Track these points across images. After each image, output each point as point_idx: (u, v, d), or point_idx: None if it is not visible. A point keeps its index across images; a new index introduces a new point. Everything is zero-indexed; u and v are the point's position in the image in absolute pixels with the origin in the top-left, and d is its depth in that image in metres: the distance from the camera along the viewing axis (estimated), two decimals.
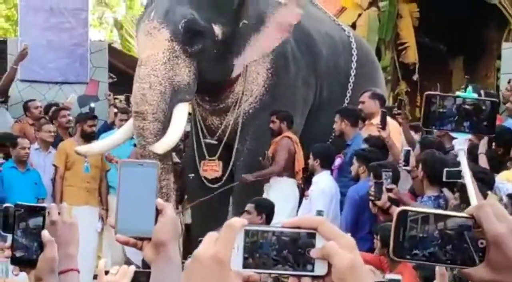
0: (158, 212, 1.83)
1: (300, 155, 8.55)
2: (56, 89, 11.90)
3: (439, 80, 15.70)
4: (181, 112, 8.36)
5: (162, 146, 8.16)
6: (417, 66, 14.82)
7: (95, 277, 5.25)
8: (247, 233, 1.26)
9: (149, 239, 1.82)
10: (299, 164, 8.55)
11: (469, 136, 2.00)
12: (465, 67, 16.41)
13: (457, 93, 1.94)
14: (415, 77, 14.81)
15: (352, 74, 9.83)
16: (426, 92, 1.88)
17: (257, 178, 8.47)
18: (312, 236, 1.25)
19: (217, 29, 8.58)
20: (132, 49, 26.83)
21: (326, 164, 8.12)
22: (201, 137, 9.23)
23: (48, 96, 11.68)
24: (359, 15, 14.51)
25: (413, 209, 1.35)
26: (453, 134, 2.01)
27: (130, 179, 1.82)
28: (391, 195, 6.41)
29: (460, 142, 2.07)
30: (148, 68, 8.26)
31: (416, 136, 8.42)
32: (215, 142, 9.13)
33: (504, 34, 14.62)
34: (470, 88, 2.49)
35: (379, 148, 7.57)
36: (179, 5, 8.48)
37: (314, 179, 8.12)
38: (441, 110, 1.85)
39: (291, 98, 9.13)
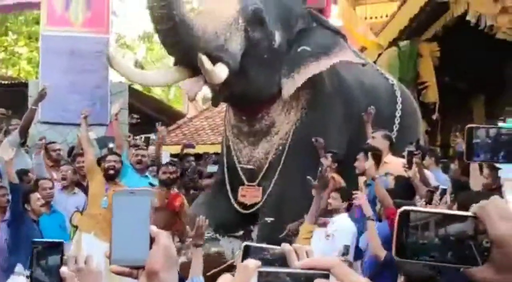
0: (152, 240, 1.80)
1: None
2: (77, 131, 11.92)
3: (460, 119, 15.68)
4: (222, 73, 8.13)
5: (218, 73, 8.06)
6: (437, 105, 14.79)
7: None
8: (260, 274, 1.25)
9: (144, 267, 1.79)
10: None
11: None
12: (486, 105, 16.38)
13: (499, 124, 1.91)
14: (435, 116, 14.78)
15: (397, 122, 9.81)
16: (468, 125, 1.86)
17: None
18: (326, 277, 1.24)
19: (277, 37, 8.67)
20: (152, 90, 27.06)
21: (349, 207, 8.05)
22: (237, 163, 9.16)
23: (69, 138, 11.72)
24: (379, 54, 14.54)
25: (415, 208, 1.34)
26: (498, 165, 1.98)
27: (123, 208, 1.81)
28: None
29: (506, 172, 2.04)
30: (209, 15, 8.30)
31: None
32: (253, 167, 9.08)
33: None
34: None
35: (405, 188, 7.52)
36: None
37: (334, 219, 8.03)
38: (484, 141, 1.83)
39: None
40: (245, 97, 8.76)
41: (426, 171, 8.51)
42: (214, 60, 8.03)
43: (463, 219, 1.31)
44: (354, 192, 7.54)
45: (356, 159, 8.23)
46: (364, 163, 8.20)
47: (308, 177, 7.73)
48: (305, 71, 8.69)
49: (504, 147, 1.83)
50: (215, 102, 9.10)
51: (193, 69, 8.06)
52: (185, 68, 8.27)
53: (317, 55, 8.73)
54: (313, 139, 8.82)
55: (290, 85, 8.70)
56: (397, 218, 1.32)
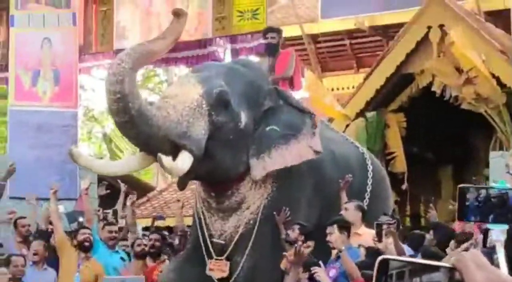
0: None
1: None
2: (46, 206, 11.82)
3: (428, 189, 15.78)
4: (185, 165, 7.99)
5: (181, 165, 7.91)
6: (405, 175, 14.86)
7: None
8: None
9: None
10: None
11: (506, 227, 1.97)
12: (454, 176, 16.49)
13: (491, 184, 1.94)
14: (404, 186, 14.84)
15: (368, 190, 9.78)
16: (460, 185, 1.87)
17: None
18: None
19: (243, 117, 8.56)
20: None
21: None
22: (207, 236, 9.00)
23: (38, 213, 11.61)
24: (347, 126, 14.65)
25: (393, 257, 1.34)
26: (489, 226, 1.98)
27: None
28: None
29: (497, 233, 2.03)
30: (171, 101, 8.20)
31: None
32: (223, 242, 8.98)
33: (491, 143, 14.74)
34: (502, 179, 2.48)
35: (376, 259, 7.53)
36: (217, 78, 8.56)
37: None
38: (474, 203, 1.85)
39: (292, 214, 8.95)
40: (211, 177, 8.69)
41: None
42: (177, 148, 8.00)
43: (437, 269, 1.32)
44: (312, 268, 7.53)
45: (329, 232, 8.20)
46: (338, 235, 8.21)
47: (285, 253, 7.73)
48: (276, 154, 8.60)
49: (494, 209, 1.85)
50: (181, 186, 8.86)
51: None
52: (149, 155, 8.24)
53: (286, 137, 8.68)
54: (274, 213, 8.80)
55: (260, 167, 8.63)
56: (376, 267, 1.33)
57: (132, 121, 7.78)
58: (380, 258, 1.34)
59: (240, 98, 8.63)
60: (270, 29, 11.55)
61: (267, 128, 8.72)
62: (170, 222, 14.82)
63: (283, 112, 8.92)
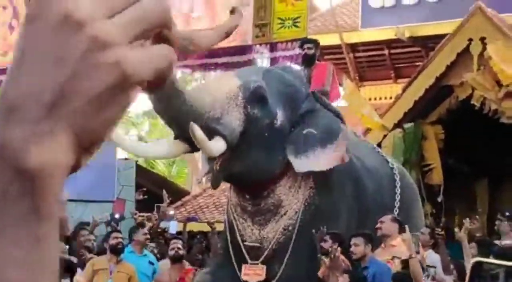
0: None
1: None
2: (83, 207, 11.94)
3: (463, 202, 15.70)
4: (218, 145, 7.94)
5: (214, 145, 7.86)
6: (441, 187, 14.80)
7: None
8: None
9: None
10: None
11: None
12: (490, 189, 16.40)
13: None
14: (440, 198, 14.78)
15: (396, 206, 9.79)
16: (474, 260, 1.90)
17: None
18: None
19: (280, 116, 8.62)
20: (155, 167, 27.11)
21: None
22: (240, 241, 9.01)
23: (75, 214, 11.72)
24: (384, 136, 14.62)
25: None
26: None
27: None
28: None
29: None
30: (207, 88, 8.31)
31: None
32: (258, 244, 8.96)
33: None
34: None
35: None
36: (256, 76, 8.69)
37: None
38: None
39: (333, 222, 8.93)
40: (246, 176, 8.60)
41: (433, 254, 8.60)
42: (210, 133, 7.80)
43: None
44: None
45: (354, 244, 8.21)
46: (364, 248, 8.21)
47: (320, 256, 7.77)
48: (313, 157, 8.64)
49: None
50: (215, 183, 8.65)
51: (192, 143, 7.79)
52: (184, 142, 8.12)
53: (324, 142, 8.70)
54: (313, 231, 8.73)
55: (300, 163, 8.63)
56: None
57: (164, 94, 7.42)
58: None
59: (278, 98, 8.67)
60: (306, 40, 11.54)
61: (304, 131, 8.74)
62: (203, 227, 14.90)
63: (321, 116, 8.95)
